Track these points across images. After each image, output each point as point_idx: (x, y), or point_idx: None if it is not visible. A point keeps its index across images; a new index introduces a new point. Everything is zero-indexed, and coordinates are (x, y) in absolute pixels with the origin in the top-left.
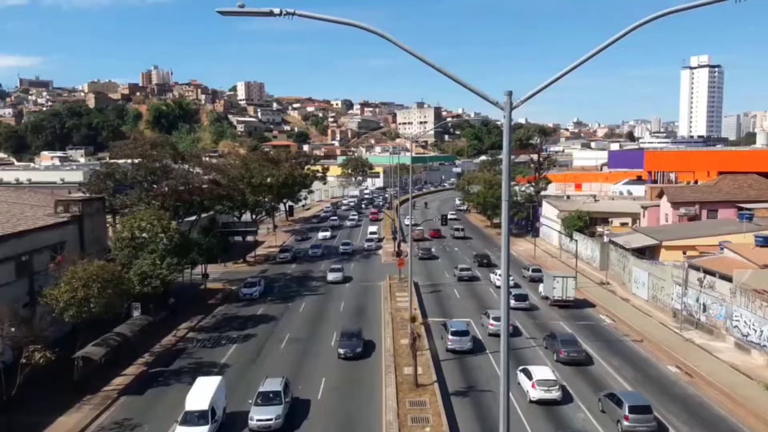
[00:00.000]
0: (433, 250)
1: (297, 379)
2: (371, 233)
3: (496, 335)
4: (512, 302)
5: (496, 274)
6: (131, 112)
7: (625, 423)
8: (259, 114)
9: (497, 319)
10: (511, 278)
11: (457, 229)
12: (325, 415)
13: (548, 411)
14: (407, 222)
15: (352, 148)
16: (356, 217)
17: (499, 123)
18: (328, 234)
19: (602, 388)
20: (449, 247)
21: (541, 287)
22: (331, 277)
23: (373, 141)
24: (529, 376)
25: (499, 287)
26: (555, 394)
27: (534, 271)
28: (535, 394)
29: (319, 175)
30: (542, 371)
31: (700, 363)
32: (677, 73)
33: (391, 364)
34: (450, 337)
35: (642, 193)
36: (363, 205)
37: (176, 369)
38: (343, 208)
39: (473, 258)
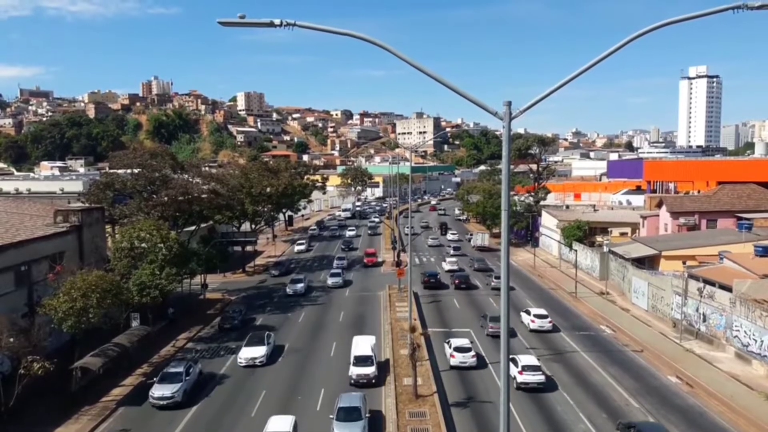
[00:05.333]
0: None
1: (296, 390)
2: (360, 361)
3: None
4: (451, 251)
5: (447, 234)
6: (131, 123)
7: None
8: (259, 124)
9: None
10: (455, 234)
11: (438, 206)
12: (324, 427)
13: (551, 424)
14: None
15: (352, 158)
16: (344, 260)
17: (498, 133)
18: (263, 352)
19: (602, 397)
20: (426, 217)
21: (471, 240)
22: None
23: (372, 151)
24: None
25: (450, 240)
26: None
27: (469, 233)
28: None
29: (318, 184)
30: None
31: (700, 373)
32: (676, 84)
33: (390, 375)
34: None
35: (641, 202)
36: (359, 217)
37: None
38: (330, 228)
39: (438, 225)
